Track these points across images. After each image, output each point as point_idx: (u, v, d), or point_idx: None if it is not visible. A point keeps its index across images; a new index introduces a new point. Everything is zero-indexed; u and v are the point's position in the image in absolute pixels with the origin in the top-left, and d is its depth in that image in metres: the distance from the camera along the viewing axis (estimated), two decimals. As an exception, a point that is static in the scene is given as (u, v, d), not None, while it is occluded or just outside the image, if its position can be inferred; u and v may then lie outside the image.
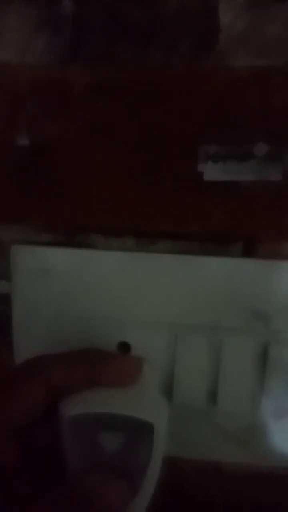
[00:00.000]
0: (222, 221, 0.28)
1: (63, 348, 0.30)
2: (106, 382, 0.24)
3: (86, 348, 0.26)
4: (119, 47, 0.27)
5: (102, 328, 0.30)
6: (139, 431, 0.23)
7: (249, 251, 0.29)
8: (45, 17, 0.27)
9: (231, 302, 0.29)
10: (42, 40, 0.28)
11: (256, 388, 0.30)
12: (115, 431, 0.22)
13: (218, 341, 0.29)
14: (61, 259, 0.30)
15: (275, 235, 0.29)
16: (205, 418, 0.31)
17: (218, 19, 0.26)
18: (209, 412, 0.31)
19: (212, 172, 0.26)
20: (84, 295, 0.30)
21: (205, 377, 0.30)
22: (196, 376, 0.30)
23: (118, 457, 0.22)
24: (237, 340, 0.29)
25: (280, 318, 0.29)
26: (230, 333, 0.29)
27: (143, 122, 0.27)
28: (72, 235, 0.30)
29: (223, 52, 0.26)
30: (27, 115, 0.28)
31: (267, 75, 0.26)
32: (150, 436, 0.23)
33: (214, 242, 0.29)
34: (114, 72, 0.27)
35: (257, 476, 0.32)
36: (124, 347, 0.30)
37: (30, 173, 0.29)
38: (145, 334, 0.30)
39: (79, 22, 0.27)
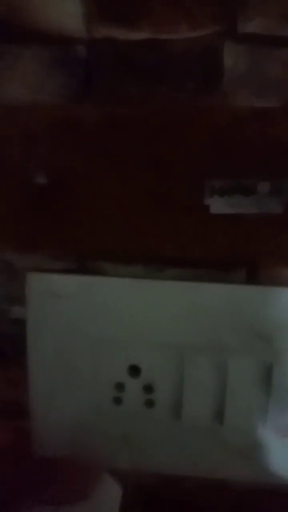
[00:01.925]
0: (227, 249, 0.30)
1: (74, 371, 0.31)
2: (58, 498, 0.23)
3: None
4: (129, 87, 0.29)
5: (112, 351, 0.31)
6: None
7: (252, 277, 0.31)
8: (59, 59, 0.29)
9: (235, 325, 0.30)
10: (55, 80, 0.29)
11: (261, 406, 0.31)
12: None
13: (224, 362, 0.31)
14: (72, 286, 0.31)
15: (277, 262, 0.30)
16: (212, 436, 0.32)
17: (222, 61, 0.27)
18: (216, 430, 0.32)
19: (218, 205, 0.28)
20: (95, 320, 0.31)
21: (212, 396, 0.31)
22: (203, 395, 0.31)
23: None
24: (242, 361, 0.31)
25: (282, 341, 0.30)
26: (235, 354, 0.31)
27: (151, 156, 0.29)
28: (83, 263, 0.32)
29: (226, 92, 0.28)
30: (41, 150, 0.30)
31: (267, 115, 0.27)
32: None
33: (219, 269, 0.31)
34: (124, 110, 0.29)
35: (263, 493, 0.33)
36: (134, 370, 0.31)
37: (44, 205, 0.31)
38: (153, 357, 0.31)
39: (91, 63, 0.29)
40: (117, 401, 0.32)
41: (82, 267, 0.32)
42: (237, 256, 0.30)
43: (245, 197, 0.27)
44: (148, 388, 0.32)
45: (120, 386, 0.32)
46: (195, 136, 0.28)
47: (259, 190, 0.27)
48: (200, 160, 0.28)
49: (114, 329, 0.31)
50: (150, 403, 0.32)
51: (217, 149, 0.28)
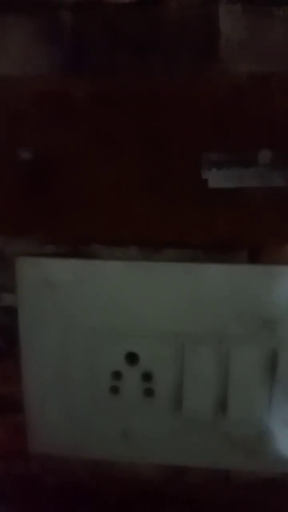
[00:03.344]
0: (227, 228, 0.28)
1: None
2: None
3: None
4: (119, 58, 0.27)
5: (108, 339, 0.30)
6: None
7: (254, 258, 0.29)
8: (45, 29, 0.27)
9: (237, 309, 0.29)
10: (41, 52, 0.27)
11: (265, 395, 0.29)
12: None
13: (226, 350, 0.29)
14: (65, 270, 0.30)
15: (280, 241, 0.28)
16: (214, 427, 0.31)
17: (218, 27, 0.26)
18: (218, 421, 0.30)
19: (216, 179, 0.26)
20: (90, 305, 0.30)
21: (214, 385, 0.30)
22: (204, 385, 0.30)
23: None
24: (245, 348, 0.29)
25: (287, 325, 0.29)
26: (238, 341, 0.29)
27: (145, 131, 0.27)
28: (76, 246, 0.30)
29: (224, 60, 0.26)
30: (29, 128, 0.28)
31: (268, 81, 0.25)
32: None
33: (219, 250, 0.29)
34: (115, 83, 0.27)
35: (266, 484, 0.32)
36: (132, 357, 0.30)
37: (33, 186, 0.29)
38: (152, 344, 0.30)
39: (78, 33, 0.27)
40: (115, 390, 0.30)
41: (74, 251, 0.30)
42: (237, 236, 0.28)
43: (245, 169, 0.25)
44: (147, 376, 0.30)
45: (117, 375, 0.30)
46: (192, 107, 0.26)
47: (260, 161, 0.25)
48: (198, 134, 0.27)
49: (110, 314, 0.30)
50: (149, 392, 0.30)
51: (216, 120, 0.26)
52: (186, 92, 0.26)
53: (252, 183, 0.26)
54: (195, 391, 0.30)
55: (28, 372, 0.32)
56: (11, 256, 0.30)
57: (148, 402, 0.30)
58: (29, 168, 0.29)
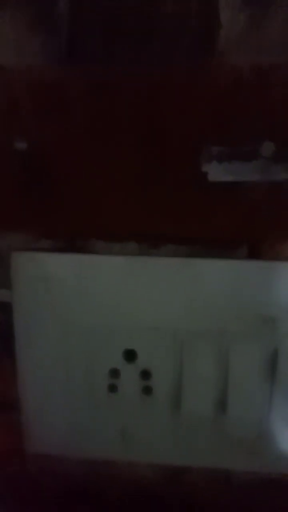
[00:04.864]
0: (226, 223, 0.28)
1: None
2: None
3: None
4: (117, 47, 0.27)
5: (105, 336, 0.29)
6: None
7: (254, 254, 0.29)
8: (40, 17, 0.27)
9: (237, 306, 0.28)
10: (37, 41, 0.27)
11: (265, 394, 0.29)
12: None
13: (225, 347, 0.29)
14: (62, 265, 0.29)
15: (280, 236, 0.28)
16: (214, 426, 0.30)
17: (218, 17, 0.25)
18: (218, 420, 0.30)
19: (216, 172, 0.26)
20: (87, 301, 0.29)
21: (213, 384, 0.29)
22: (204, 383, 0.29)
23: None
24: (245, 346, 0.28)
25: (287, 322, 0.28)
26: (237, 338, 0.28)
27: (143, 123, 0.27)
28: (73, 241, 0.30)
29: (224, 51, 0.26)
30: (24, 118, 0.27)
31: (269, 73, 0.25)
32: None
33: (218, 246, 0.28)
34: (112, 73, 0.27)
35: (267, 483, 0.31)
36: (130, 354, 0.29)
37: (29, 179, 0.28)
38: (150, 341, 0.29)
39: (75, 22, 0.27)
40: (113, 388, 0.30)
41: (71, 246, 0.30)
42: (237, 231, 0.28)
43: (246, 162, 0.25)
44: (146, 374, 0.29)
45: (115, 372, 0.30)
46: (191, 99, 0.26)
47: (263, 154, 0.24)
48: (197, 126, 0.26)
49: (107, 310, 0.29)
50: (147, 390, 0.30)
51: (216, 112, 0.26)
52: (186, 84, 0.26)
53: (253, 177, 0.25)
54: (195, 389, 0.29)
55: (24, 369, 0.31)
56: (5, 251, 0.30)
57: (147, 400, 0.30)
58: (24, 161, 0.28)
